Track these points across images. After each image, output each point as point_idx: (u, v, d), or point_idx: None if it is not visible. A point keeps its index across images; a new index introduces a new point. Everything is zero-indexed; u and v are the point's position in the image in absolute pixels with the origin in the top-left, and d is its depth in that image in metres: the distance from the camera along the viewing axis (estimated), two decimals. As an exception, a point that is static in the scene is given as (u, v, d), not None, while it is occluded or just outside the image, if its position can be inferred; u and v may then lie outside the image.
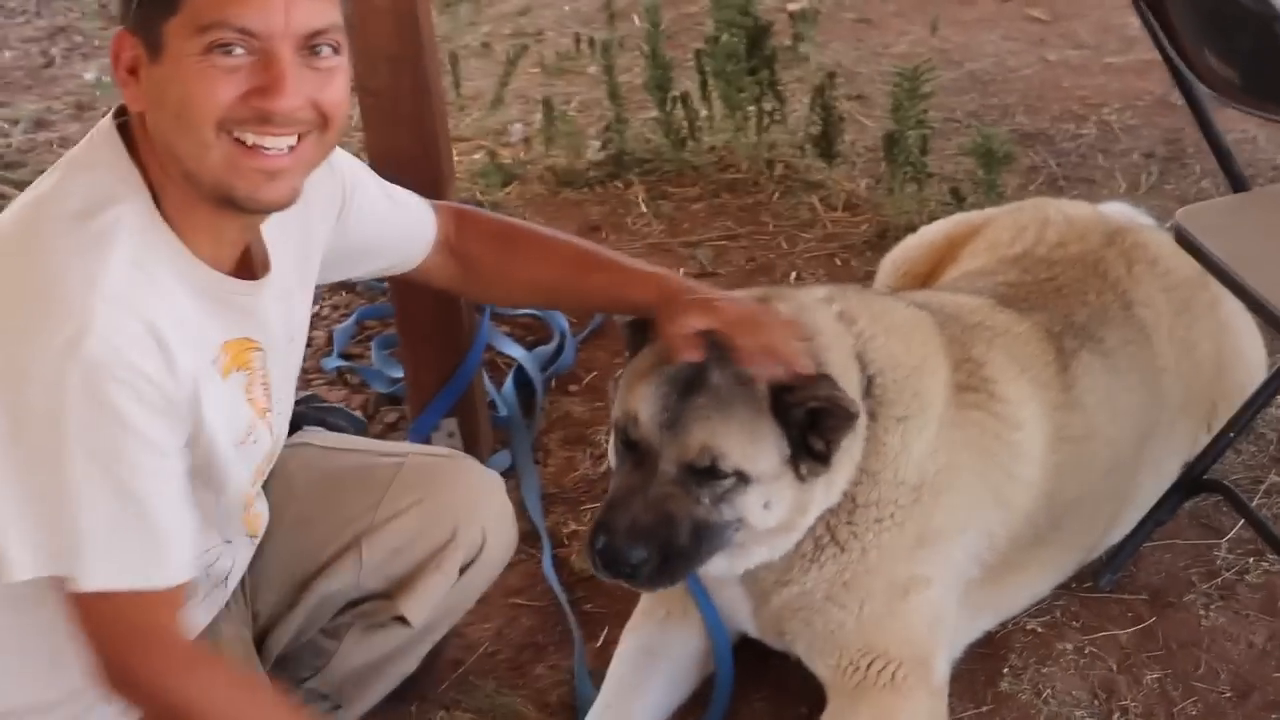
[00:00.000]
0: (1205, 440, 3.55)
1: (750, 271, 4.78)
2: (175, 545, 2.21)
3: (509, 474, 3.90)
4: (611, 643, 3.26)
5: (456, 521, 2.83)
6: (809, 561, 2.91)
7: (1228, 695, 3.09)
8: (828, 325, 2.91)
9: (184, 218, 2.24)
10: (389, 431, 4.14)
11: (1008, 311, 3.27)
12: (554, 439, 4.08)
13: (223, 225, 2.28)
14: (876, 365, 2.92)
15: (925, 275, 3.84)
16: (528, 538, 3.66)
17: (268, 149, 2.16)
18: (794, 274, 4.73)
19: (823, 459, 2.76)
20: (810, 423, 2.72)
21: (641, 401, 2.74)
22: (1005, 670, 3.17)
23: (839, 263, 4.78)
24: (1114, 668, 3.17)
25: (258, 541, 2.66)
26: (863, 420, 2.84)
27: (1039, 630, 3.27)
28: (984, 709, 3.09)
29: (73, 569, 2.13)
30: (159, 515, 2.17)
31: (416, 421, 3.81)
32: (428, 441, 3.81)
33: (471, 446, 3.85)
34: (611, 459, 2.89)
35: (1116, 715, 3.05)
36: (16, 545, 2.10)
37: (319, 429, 3.02)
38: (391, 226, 2.81)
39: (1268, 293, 2.88)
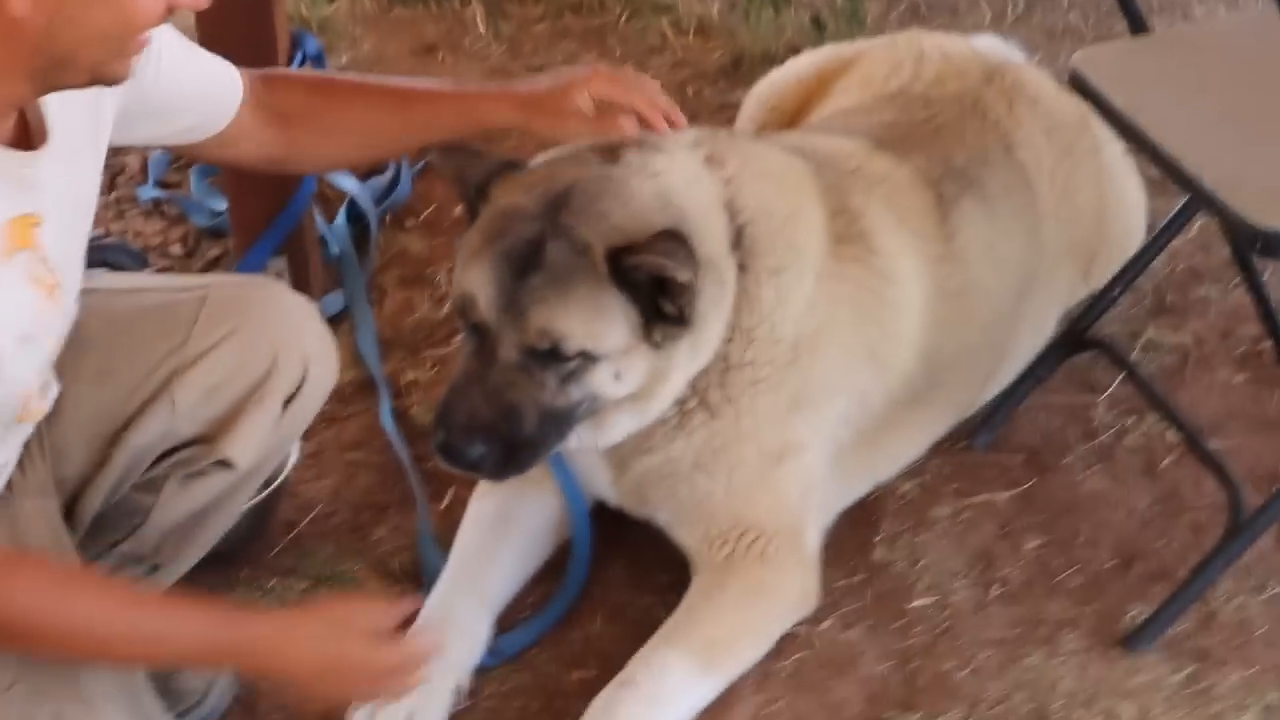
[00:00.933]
0: (1083, 291, 3.40)
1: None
2: None
3: (342, 317, 3.64)
4: (458, 503, 3.04)
5: (275, 350, 2.54)
6: (674, 429, 2.70)
7: (1109, 565, 2.94)
8: (692, 171, 2.68)
9: None
10: (211, 268, 3.84)
11: (885, 156, 3.05)
12: (390, 278, 3.80)
13: (13, 97, 2.04)
14: (747, 213, 2.68)
15: (794, 112, 3.60)
16: (365, 387, 3.44)
17: None
18: (643, 103, 4.45)
19: (679, 320, 2.54)
20: (659, 285, 2.49)
21: (478, 283, 2.51)
22: (878, 538, 3.00)
23: (690, 92, 4.50)
24: (991, 535, 3.01)
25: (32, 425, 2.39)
26: (732, 274, 2.63)
27: (913, 495, 3.09)
28: (856, 579, 2.92)
29: None
30: None
31: (242, 261, 3.52)
32: (255, 283, 3.53)
33: (301, 287, 3.55)
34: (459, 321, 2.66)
35: (995, 587, 2.90)
36: None
37: (101, 270, 2.71)
38: (192, 79, 2.53)
39: (1167, 143, 2.69)
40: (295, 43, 3.50)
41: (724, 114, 4.30)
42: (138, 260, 3.47)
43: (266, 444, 2.60)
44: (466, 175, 2.67)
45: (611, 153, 2.63)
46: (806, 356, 2.73)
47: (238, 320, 2.53)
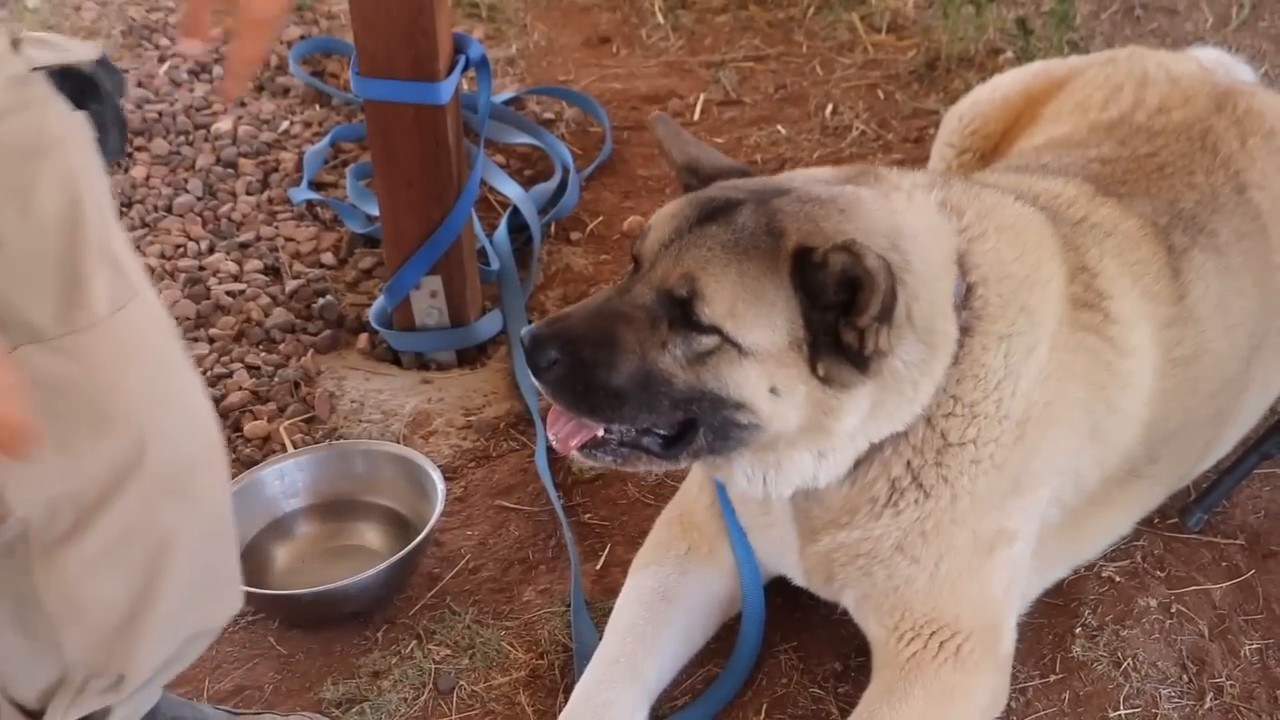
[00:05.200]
0: (1317, 350, 3.06)
1: (779, 100, 4.23)
2: None
3: (499, 339, 3.41)
4: (615, 565, 2.81)
5: None
6: (882, 506, 2.40)
7: (1343, 677, 2.62)
8: (930, 218, 2.36)
9: None
10: (364, 279, 3.64)
11: (1109, 202, 2.73)
12: (552, 297, 3.58)
13: None
14: (980, 272, 2.37)
15: (998, 135, 3.30)
16: (520, 421, 3.20)
17: None
18: (829, 106, 4.17)
19: (859, 362, 2.19)
20: (846, 305, 2.16)
21: (661, 218, 2.29)
22: (1078, 630, 2.69)
23: (881, 95, 4.22)
24: (1205, 633, 2.68)
25: None
26: (948, 338, 2.30)
27: (1118, 579, 2.78)
28: (1051, 678, 2.62)
29: None
30: None
31: (394, 278, 3.30)
32: (405, 301, 3.30)
33: (456, 305, 3.36)
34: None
35: (1209, 697, 2.57)
36: None
37: None
38: None
39: None
40: (458, 46, 3.25)
41: (916, 121, 4.03)
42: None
43: None
44: (697, 165, 2.44)
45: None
46: (1033, 436, 2.42)
47: None
